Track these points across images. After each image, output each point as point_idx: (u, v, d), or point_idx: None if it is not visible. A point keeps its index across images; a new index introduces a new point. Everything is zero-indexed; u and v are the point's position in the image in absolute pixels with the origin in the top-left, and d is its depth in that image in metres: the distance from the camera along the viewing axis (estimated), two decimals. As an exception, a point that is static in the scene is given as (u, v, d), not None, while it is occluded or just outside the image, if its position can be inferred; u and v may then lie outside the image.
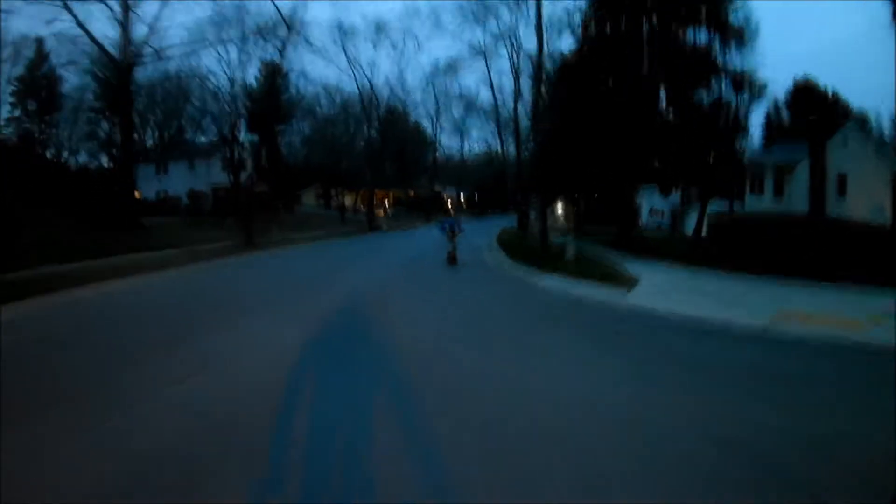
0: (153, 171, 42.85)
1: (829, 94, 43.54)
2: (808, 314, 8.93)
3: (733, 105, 20.77)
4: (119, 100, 26.00)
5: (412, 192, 66.33)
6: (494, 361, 6.38)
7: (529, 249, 19.67)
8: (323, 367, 5.98)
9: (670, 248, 22.03)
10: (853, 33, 68.45)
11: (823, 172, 22.03)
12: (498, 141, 55.25)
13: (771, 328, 8.23)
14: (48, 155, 45.46)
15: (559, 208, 42.88)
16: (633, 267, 15.33)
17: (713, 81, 20.47)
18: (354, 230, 31.20)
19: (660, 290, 11.39)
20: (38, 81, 43.36)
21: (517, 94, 32.81)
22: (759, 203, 32.68)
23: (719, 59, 20.40)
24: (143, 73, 29.72)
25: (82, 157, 48.12)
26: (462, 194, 71.65)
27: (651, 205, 45.40)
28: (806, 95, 43.77)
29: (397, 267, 15.94)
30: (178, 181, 41.65)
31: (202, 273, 14.62)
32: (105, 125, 42.54)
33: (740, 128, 21.22)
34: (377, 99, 41.77)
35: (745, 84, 20.71)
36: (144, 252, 17.88)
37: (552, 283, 12.79)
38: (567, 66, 23.07)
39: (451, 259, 15.61)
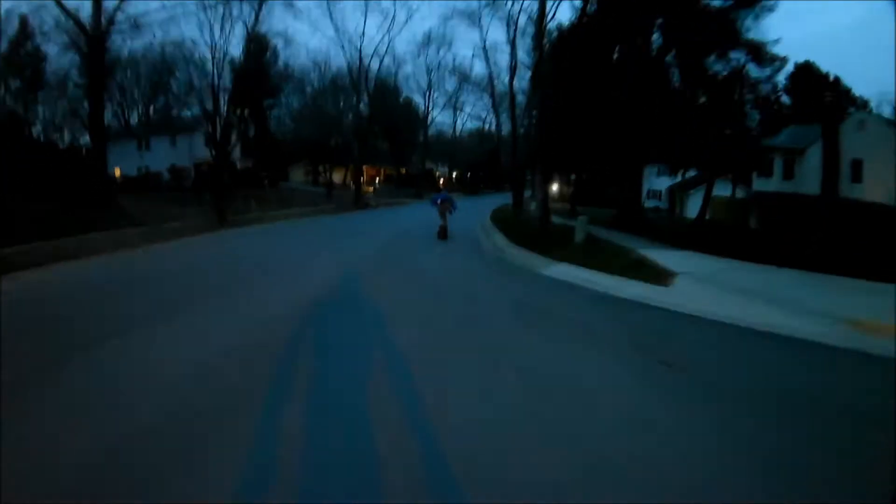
0: (135, 147, 41.10)
1: (831, 78, 42.29)
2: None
3: (751, 78, 19.02)
4: (92, 73, 23.71)
5: (403, 170, 64.46)
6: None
7: (529, 230, 17.88)
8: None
9: (677, 231, 20.43)
10: (851, 21, 66.52)
11: (837, 154, 20.52)
12: (493, 116, 53.27)
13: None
14: (34, 134, 43.39)
15: (553, 187, 41.22)
16: (653, 254, 12.95)
17: (729, 51, 18.70)
18: (340, 207, 29.37)
19: (704, 286, 9.08)
20: (23, 59, 41.26)
21: (513, 66, 30.74)
22: (767, 185, 31.14)
23: (738, 26, 18.57)
24: (124, 47, 27.77)
25: (68, 136, 46.11)
26: (454, 172, 69.77)
27: (648, 186, 43.79)
28: (808, 78, 42.61)
29: (375, 251, 13.65)
30: (161, 157, 39.59)
31: (142, 258, 12.11)
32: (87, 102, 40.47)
33: (762, 102, 19.51)
34: (367, 71, 39.53)
35: (765, 55, 18.94)
36: (102, 231, 16.00)
37: (568, 273, 10.56)
38: (570, 33, 21.17)
39: (442, 233, 15.09)
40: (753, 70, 18.83)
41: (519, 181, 31.62)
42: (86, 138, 43.43)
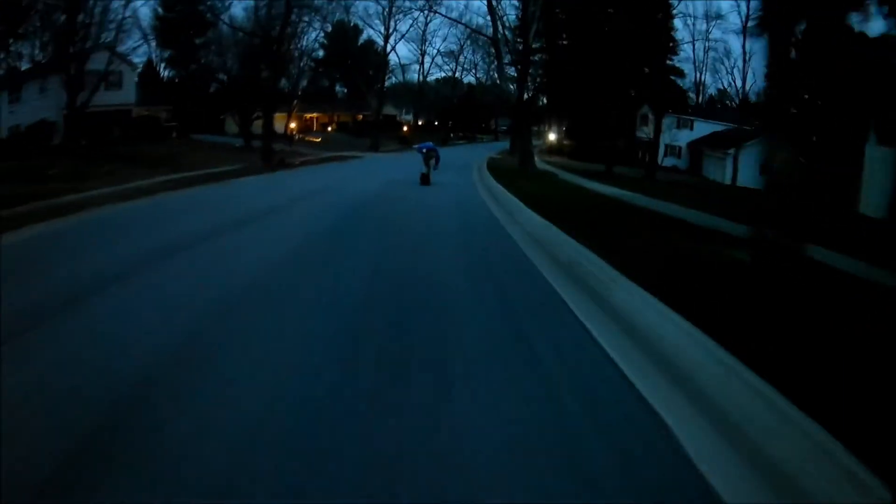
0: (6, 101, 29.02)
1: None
2: None
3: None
4: None
5: (360, 116, 53.81)
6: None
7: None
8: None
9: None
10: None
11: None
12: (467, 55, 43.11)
13: None
14: None
15: (551, 136, 31.92)
16: None
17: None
18: (249, 169, 18.98)
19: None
20: None
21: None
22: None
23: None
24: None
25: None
26: (419, 120, 59.32)
27: (667, 140, 34.72)
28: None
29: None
30: (34, 110, 27.70)
31: None
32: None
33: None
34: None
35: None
36: None
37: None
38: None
39: (424, 180, 15.13)
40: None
41: (524, 130, 23.24)
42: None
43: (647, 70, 27.44)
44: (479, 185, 15.80)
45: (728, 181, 29.15)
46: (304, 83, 47.69)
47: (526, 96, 25.89)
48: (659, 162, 34.30)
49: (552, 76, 28.40)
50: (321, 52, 50.28)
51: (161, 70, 44.40)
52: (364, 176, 17.89)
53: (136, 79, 34.11)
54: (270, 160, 19.94)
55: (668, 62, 29.60)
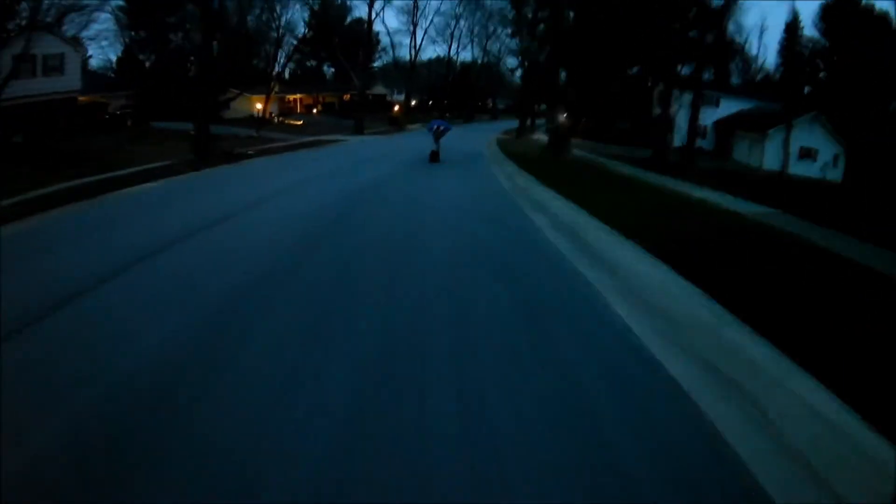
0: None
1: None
2: None
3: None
4: None
5: (347, 96, 49.37)
6: None
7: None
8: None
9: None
10: None
11: None
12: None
13: None
14: None
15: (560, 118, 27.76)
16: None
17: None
18: (176, 164, 13.83)
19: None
20: None
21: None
22: None
23: None
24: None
25: None
26: (413, 100, 54.89)
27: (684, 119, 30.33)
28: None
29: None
30: None
31: None
32: None
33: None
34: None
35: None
36: None
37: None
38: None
39: (434, 157, 15.56)
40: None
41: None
42: None
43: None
44: (508, 190, 10.67)
45: (767, 166, 25.23)
46: (283, 63, 43.94)
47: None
48: (682, 143, 30.21)
49: (570, 41, 24.10)
50: (305, 32, 46.36)
51: (139, 54, 40.10)
52: (329, 176, 12.47)
53: (81, 62, 29.49)
54: (206, 154, 15.11)
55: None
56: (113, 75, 37.41)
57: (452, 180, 11.61)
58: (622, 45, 21.82)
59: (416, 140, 27.03)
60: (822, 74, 37.94)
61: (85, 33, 26.64)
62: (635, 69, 24.89)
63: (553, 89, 19.00)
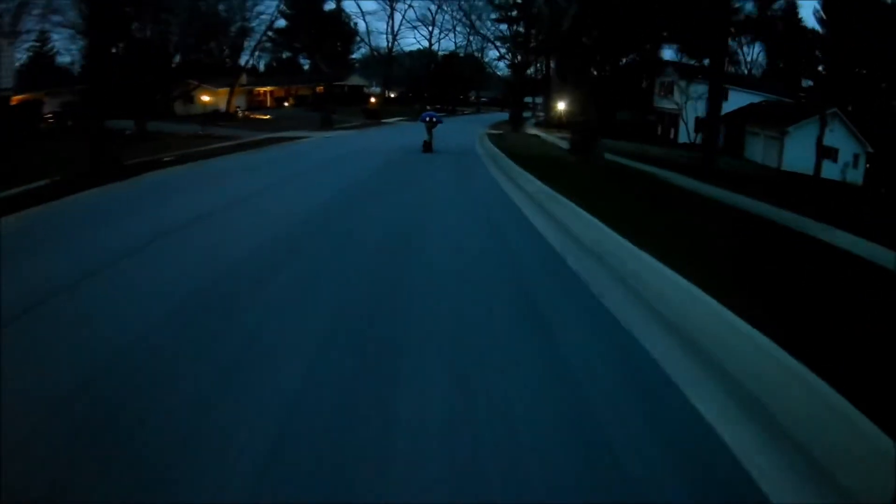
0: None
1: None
2: None
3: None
4: None
5: (320, 88, 45.78)
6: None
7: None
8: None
9: None
10: None
11: None
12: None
13: None
14: None
15: (560, 105, 24.48)
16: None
17: None
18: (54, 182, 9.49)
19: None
20: None
21: None
22: None
23: None
24: None
25: None
26: (390, 91, 51.37)
27: (692, 112, 27.16)
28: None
29: None
30: None
31: None
32: None
33: None
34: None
35: None
36: None
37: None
38: None
39: (427, 147, 16.05)
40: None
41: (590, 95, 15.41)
42: None
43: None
44: (542, 225, 6.34)
45: (787, 167, 22.27)
46: (251, 53, 40.74)
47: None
48: (691, 140, 27.10)
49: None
50: (273, 17, 42.66)
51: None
52: (236, 204, 7.68)
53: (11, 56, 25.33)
54: (99, 165, 10.74)
55: None
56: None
57: (447, 220, 6.98)
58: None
59: (394, 135, 23.32)
60: (820, 67, 35.29)
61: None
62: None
63: (575, 65, 15.11)
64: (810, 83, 34.72)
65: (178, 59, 33.79)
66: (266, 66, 53.36)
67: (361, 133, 25.78)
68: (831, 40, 32.20)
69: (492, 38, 40.24)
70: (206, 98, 34.85)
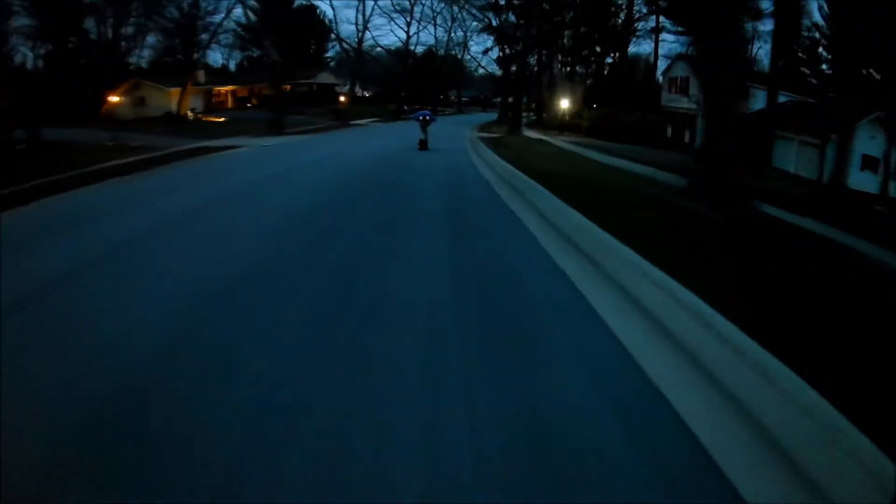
0: None
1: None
2: None
3: None
4: None
5: (287, 87, 41.51)
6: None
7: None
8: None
9: None
10: None
11: None
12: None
13: None
14: None
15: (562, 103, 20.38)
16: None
17: None
18: None
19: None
20: None
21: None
22: None
23: None
24: None
25: None
26: (364, 91, 47.16)
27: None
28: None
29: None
30: None
31: None
32: None
33: None
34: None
35: None
36: None
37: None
38: None
39: (423, 145, 16.63)
40: None
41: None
42: None
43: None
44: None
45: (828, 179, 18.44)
46: (204, 47, 37.97)
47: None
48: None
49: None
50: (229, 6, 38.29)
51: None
52: None
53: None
54: None
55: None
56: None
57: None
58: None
59: (358, 142, 18.97)
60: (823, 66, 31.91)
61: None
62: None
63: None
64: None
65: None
66: (237, 65, 49.18)
67: (318, 138, 21.32)
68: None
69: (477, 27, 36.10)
70: (153, 99, 31.14)
